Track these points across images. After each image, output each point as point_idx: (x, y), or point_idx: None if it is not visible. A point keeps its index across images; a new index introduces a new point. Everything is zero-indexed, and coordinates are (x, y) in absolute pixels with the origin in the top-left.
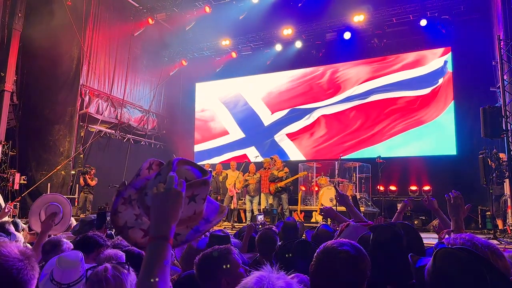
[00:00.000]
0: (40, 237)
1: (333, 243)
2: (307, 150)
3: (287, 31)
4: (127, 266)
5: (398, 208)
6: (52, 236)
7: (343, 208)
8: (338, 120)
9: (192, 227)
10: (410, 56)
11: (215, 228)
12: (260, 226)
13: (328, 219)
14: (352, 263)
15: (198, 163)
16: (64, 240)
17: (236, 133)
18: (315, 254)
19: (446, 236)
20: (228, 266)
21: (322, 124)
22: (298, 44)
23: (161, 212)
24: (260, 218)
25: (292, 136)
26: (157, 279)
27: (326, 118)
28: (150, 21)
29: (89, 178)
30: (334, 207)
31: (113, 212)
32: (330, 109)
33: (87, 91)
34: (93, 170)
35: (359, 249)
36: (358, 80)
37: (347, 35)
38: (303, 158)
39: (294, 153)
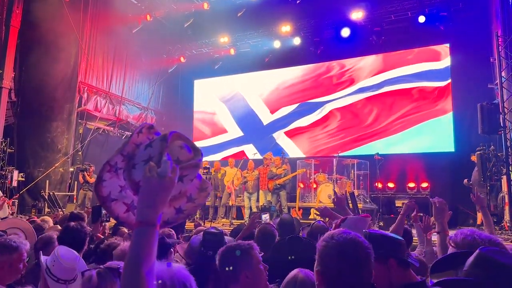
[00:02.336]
0: None
1: (341, 233)
2: (309, 146)
3: (286, 28)
4: (116, 272)
5: (401, 208)
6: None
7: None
8: (348, 114)
9: (175, 207)
10: (424, 51)
11: (208, 225)
12: None
13: (327, 218)
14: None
15: None
16: (56, 237)
17: (235, 132)
18: (327, 244)
19: (434, 235)
20: (250, 260)
21: (330, 119)
22: (297, 41)
23: (151, 198)
24: (265, 217)
25: (291, 133)
26: (144, 268)
27: (334, 113)
28: (148, 17)
29: (88, 175)
30: (332, 204)
31: (98, 179)
32: (337, 103)
33: (86, 88)
34: (92, 168)
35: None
36: (370, 73)
37: (345, 32)
38: (302, 155)
39: (293, 150)
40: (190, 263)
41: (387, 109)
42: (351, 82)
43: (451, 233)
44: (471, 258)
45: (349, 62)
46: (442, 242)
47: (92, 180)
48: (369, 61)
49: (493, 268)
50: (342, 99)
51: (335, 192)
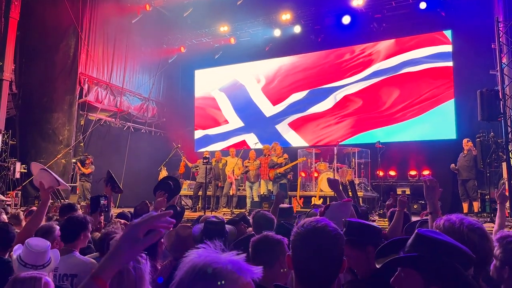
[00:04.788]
0: (42, 205)
1: (313, 221)
2: (312, 135)
3: (286, 16)
4: (144, 256)
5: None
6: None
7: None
8: (354, 102)
9: None
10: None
11: (209, 214)
12: None
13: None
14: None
15: (198, 150)
16: (57, 226)
17: (236, 121)
18: (297, 230)
19: (425, 217)
20: (284, 250)
21: (333, 107)
22: (297, 29)
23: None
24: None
25: (294, 123)
26: None
27: (336, 100)
28: (147, 7)
29: (85, 166)
30: (333, 193)
31: None
32: (342, 91)
33: (86, 79)
34: (90, 159)
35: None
36: (383, 57)
37: (346, 20)
38: (306, 145)
39: (296, 140)
40: (176, 257)
41: (400, 94)
42: (363, 67)
43: None
44: (410, 239)
45: (352, 49)
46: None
47: (88, 171)
48: (377, 46)
49: (430, 245)
50: (347, 87)
51: (328, 178)
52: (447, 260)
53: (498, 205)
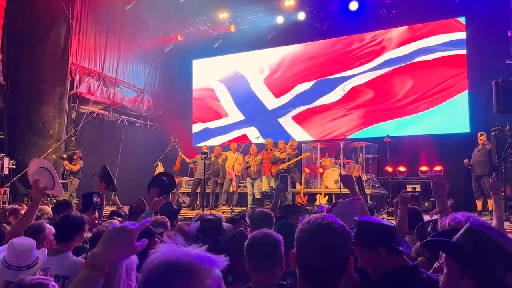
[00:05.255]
0: (32, 205)
1: (319, 217)
2: (318, 129)
3: (289, 2)
4: None
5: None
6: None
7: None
8: (362, 93)
9: None
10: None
11: (207, 211)
12: None
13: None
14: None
15: (197, 145)
16: (47, 225)
17: (236, 114)
18: (302, 227)
19: (435, 216)
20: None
21: (340, 99)
22: (301, 16)
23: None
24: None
25: (299, 116)
26: None
27: (349, 92)
28: None
29: (73, 163)
30: (338, 190)
31: None
32: (351, 82)
33: (77, 69)
34: (77, 154)
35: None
36: (395, 45)
37: (353, 6)
38: (310, 139)
39: (300, 134)
40: None
41: (413, 85)
42: (374, 56)
43: None
44: (461, 231)
45: (361, 37)
46: None
47: (77, 167)
48: (389, 34)
49: (480, 239)
50: (356, 77)
51: (340, 174)
52: (487, 256)
53: (492, 196)
